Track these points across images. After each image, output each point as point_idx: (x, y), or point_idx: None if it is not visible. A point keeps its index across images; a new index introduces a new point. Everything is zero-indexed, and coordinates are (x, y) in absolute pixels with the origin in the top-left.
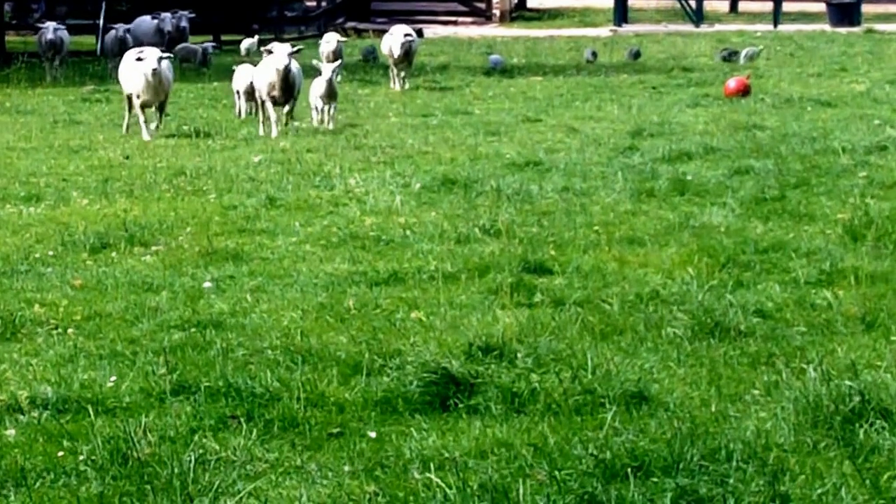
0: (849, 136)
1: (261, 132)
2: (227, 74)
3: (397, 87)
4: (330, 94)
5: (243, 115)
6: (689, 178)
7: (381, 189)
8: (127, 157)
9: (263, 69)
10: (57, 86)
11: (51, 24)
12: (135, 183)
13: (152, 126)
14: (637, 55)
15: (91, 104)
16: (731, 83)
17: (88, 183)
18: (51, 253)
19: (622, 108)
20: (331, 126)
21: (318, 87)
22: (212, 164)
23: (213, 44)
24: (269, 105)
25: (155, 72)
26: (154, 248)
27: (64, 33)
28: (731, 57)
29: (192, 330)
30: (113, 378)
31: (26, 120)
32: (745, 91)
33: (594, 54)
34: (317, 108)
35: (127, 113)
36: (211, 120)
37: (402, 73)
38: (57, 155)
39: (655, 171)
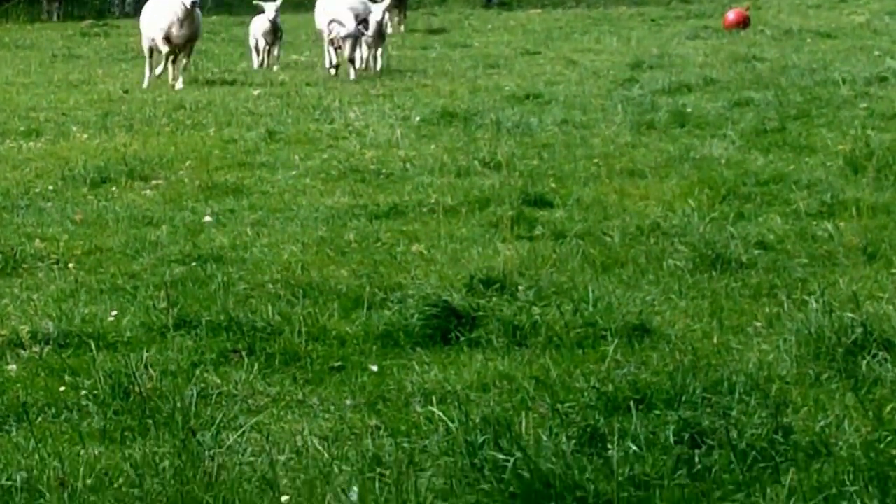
0: (849, 68)
1: (352, 76)
2: (226, 8)
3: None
4: (274, 32)
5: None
6: (688, 110)
7: (380, 122)
8: (126, 92)
9: (333, 13)
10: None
11: None
12: (134, 117)
13: (179, 81)
14: None
15: (90, 38)
16: (731, 15)
17: (88, 117)
18: (51, 188)
19: (621, 41)
20: (276, 68)
21: (260, 26)
22: (211, 98)
23: None
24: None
25: (194, 4)
26: (154, 182)
27: None
28: None
29: (193, 264)
30: (114, 312)
31: (25, 55)
32: (744, 23)
33: None
34: (257, 49)
35: (148, 69)
36: (210, 53)
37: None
38: (56, 89)
39: (655, 103)
